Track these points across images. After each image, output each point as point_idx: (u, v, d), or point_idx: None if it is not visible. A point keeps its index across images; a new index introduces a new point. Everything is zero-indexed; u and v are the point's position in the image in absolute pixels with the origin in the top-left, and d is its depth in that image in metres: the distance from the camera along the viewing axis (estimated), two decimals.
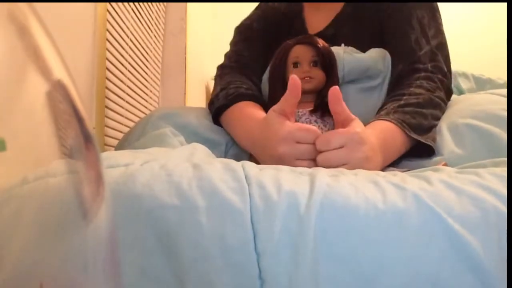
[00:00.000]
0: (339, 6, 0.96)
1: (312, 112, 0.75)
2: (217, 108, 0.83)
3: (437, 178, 0.42)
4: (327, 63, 0.77)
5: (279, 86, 0.77)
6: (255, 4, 1.06)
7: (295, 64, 0.77)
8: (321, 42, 0.77)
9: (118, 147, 0.83)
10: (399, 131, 0.68)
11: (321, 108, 0.74)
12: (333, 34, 0.92)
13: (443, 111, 0.78)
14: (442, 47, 0.85)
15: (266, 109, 0.75)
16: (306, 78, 0.75)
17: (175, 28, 1.82)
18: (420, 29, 0.85)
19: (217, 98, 0.86)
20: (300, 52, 0.77)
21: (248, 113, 0.78)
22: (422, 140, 0.69)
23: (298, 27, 0.98)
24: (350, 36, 0.91)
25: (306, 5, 1.01)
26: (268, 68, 0.80)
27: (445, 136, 0.69)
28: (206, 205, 0.38)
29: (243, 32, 1.00)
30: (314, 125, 0.74)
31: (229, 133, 0.83)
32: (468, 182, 0.41)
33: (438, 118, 0.76)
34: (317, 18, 0.97)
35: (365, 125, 0.68)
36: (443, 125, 0.73)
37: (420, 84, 0.77)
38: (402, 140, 0.69)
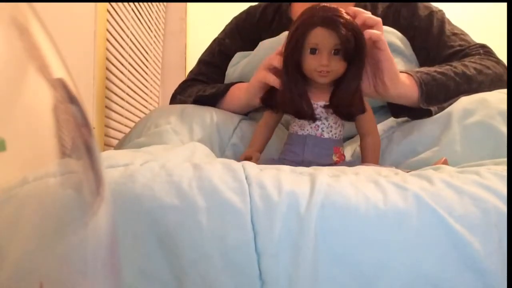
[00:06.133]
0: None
1: (326, 107, 0.68)
2: (213, 94, 0.87)
3: (438, 178, 0.42)
4: (350, 53, 0.65)
5: (293, 73, 0.67)
6: (255, 4, 1.05)
7: (313, 50, 0.65)
8: (344, 29, 0.64)
9: (119, 145, 0.82)
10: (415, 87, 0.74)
11: (335, 105, 0.68)
12: None
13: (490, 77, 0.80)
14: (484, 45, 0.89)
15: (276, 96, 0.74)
16: (322, 72, 0.66)
17: (175, 28, 1.81)
18: (458, 40, 0.89)
19: (201, 91, 0.89)
20: (321, 38, 0.65)
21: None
22: (424, 107, 0.73)
23: (284, 24, 0.94)
24: None
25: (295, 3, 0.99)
26: (282, 51, 0.70)
27: (452, 132, 0.68)
28: (206, 205, 0.38)
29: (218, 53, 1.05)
30: (328, 120, 0.70)
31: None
32: (469, 181, 0.41)
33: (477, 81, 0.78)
34: None
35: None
36: (454, 121, 0.71)
37: (475, 60, 0.82)
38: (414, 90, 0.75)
